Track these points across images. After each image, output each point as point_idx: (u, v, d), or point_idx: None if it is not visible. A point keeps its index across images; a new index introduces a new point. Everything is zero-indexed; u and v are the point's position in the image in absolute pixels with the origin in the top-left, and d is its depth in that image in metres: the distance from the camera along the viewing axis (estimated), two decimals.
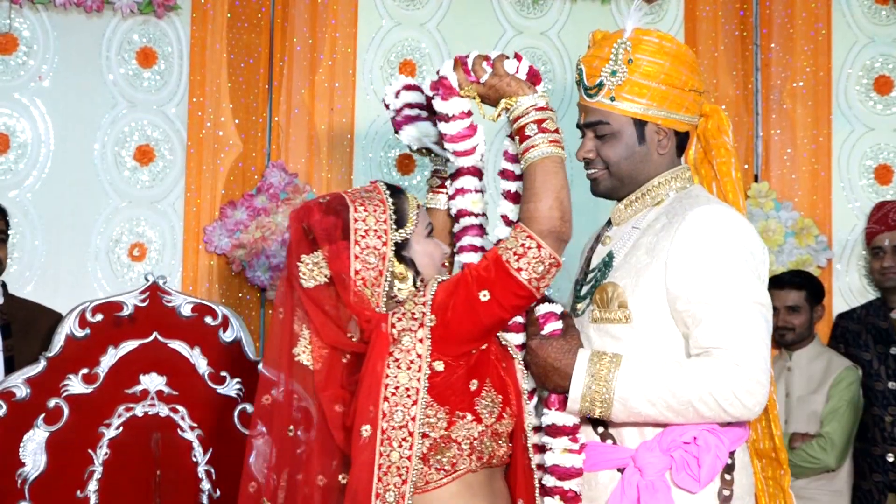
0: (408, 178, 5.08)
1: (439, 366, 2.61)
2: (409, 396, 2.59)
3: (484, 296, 2.60)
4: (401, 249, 2.70)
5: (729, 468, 2.72)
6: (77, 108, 4.92)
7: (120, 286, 4.76)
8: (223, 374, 4.02)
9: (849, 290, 5.24)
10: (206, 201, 4.91)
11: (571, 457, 2.73)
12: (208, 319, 4.06)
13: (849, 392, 4.73)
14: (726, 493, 2.71)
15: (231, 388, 4.02)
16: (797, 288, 4.83)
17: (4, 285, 4.48)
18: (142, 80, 4.98)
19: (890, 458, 4.75)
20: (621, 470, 2.74)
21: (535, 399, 2.83)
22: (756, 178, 5.22)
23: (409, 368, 2.60)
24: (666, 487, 2.69)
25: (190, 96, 4.98)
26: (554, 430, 2.73)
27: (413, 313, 2.63)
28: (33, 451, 3.89)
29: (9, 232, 4.51)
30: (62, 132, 4.91)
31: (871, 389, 4.82)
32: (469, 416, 2.62)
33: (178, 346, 4.02)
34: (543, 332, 2.73)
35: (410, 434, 2.58)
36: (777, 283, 4.81)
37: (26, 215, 4.82)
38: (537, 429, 2.80)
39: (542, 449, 2.78)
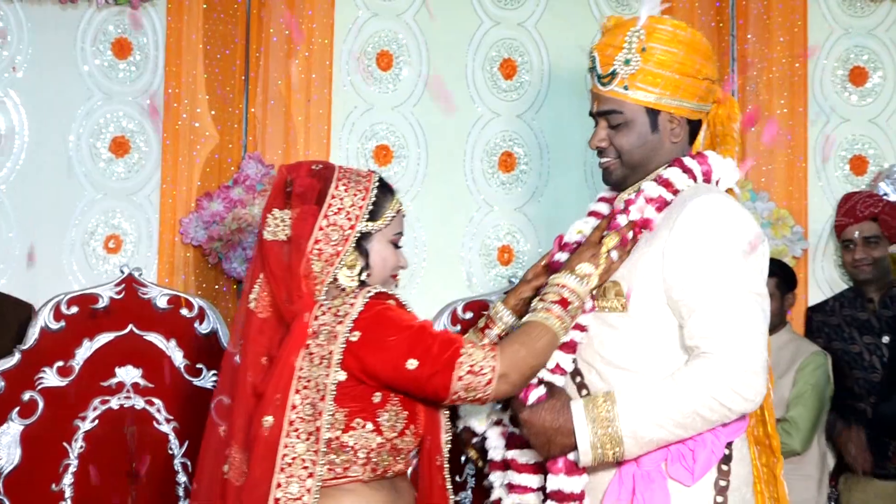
0: (385, 169, 5.06)
1: (341, 375, 2.60)
2: (318, 391, 2.59)
3: (412, 364, 2.59)
4: (362, 240, 2.70)
5: (726, 459, 2.73)
6: (52, 100, 4.90)
7: (95, 278, 4.72)
8: (199, 366, 4.04)
9: (825, 280, 5.24)
10: (182, 193, 4.89)
11: None
12: (184, 311, 4.08)
13: (814, 376, 4.73)
14: (723, 483, 2.72)
15: (207, 380, 4.04)
16: (769, 275, 4.83)
17: None
18: (117, 72, 4.95)
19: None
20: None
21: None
22: None
23: (320, 364, 2.59)
24: (662, 478, 2.70)
25: (165, 88, 4.95)
26: (560, 497, 2.72)
27: (338, 311, 2.62)
28: (7, 445, 3.93)
29: None
30: (37, 124, 4.89)
31: (868, 381, 4.82)
32: (370, 426, 2.62)
33: (154, 338, 4.04)
34: (530, 403, 2.71)
35: (318, 429, 2.57)
36: None
37: (0, 207, 4.80)
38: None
39: None
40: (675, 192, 2.78)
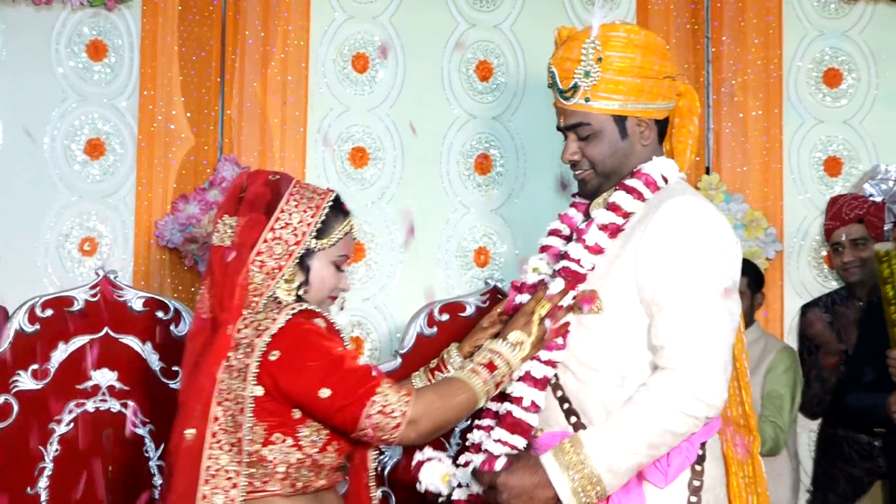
0: (361, 171, 5.09)
1: (259, 390, 2.59)
2: (237, 404, 2.58)
3: (324, 392, 2.58)
4: (305, 256, 2.69)
5: (700, 459, 2.75)
6: (26, 102, 4.91)
7: (71, 281, 4.74)
8: (175, 368, 4.02)
9: (800, 282, 5.26)
10: (157, 195, 4.91)
11: None
12: (160, 314, 4.07)
13: (787, 376, 4.79)
14: (696, 483, 2.74)
15: None
16: (741, 274, 4.88)
17: None
18: (92, 74, 4.97)
19: (878, 444, 4.71)
20: None
21: None
22: (707, 171, 5.25)
23: (238, 377, 2.59)
24: (637, 479, 2.71)
25: (141, 89, 4.97)
26: None
27: (259, 325, 2.61)
28: None
29: None
30: (11, 126, 4.90)
31: None
32: (289, 441, 2.61)
33: (130, 340, 4.03)
34: (497, 468, 2.71)
35: (239, 441, 2.57)
36: None
37: None
38: None
39: None
40: (626, 216, 2.80)
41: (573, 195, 3.09)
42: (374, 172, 5.08)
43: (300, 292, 2.71)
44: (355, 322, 4.96)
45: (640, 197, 2.81)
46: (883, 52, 5.37)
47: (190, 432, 2.58)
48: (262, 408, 2.58)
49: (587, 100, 2.81)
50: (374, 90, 5.15)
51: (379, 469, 3.63)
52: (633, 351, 2.75)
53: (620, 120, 2.83)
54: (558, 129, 2.92)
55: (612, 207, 2.81)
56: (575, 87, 2.81)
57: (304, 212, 2.69)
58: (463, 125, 5.20)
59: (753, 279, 4.89)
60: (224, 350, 2.59)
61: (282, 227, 2.66)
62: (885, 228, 4.94)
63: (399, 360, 4.19)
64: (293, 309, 2.63)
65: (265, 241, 2.65)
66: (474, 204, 5.16)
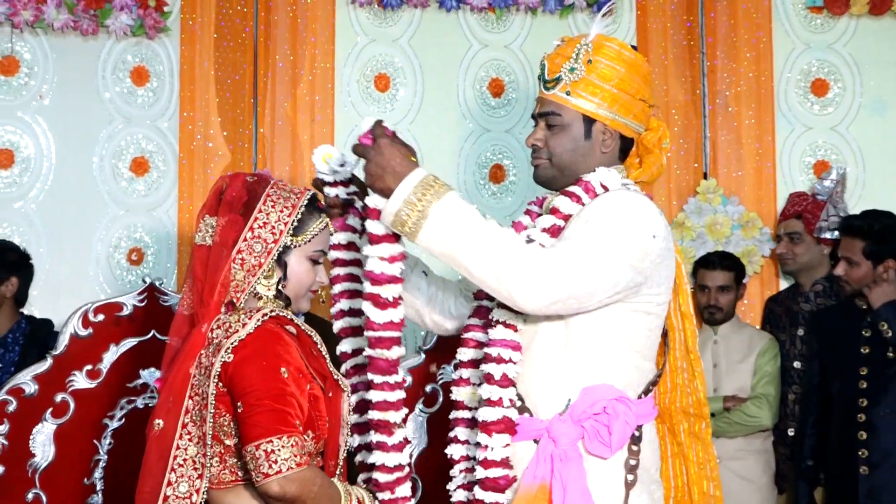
0: None
1: (222, 387, 2.60)
2: (203, 399, 2.59)
3: (240, 407, 2.59)
4: (283, 253, 2.72)
5: (636, 440, 2.82)
6: (76, 125, 5.04)
7: (120, 288, 4.87)
8: None
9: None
10: (198, 208, 4.81)
11: (382, 264, 2.74)
12: None
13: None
14: (633, 462, 2.81)
15: None
16: (728, 270, 5.01)
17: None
18: (136, 98, 5.11)
19: (791, 433, 4.87)
20: (537, 441, 2.81)
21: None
22: (705, 176, 5.31)
23: (204, 373, 2.60)
24: (578, 456, 2.77)
25: (181, 111, 5.10)
26: (371, 238, 2.77)
27: (230, 327, 2.62)
28: (42, 443, 3.97)
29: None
30: (63, 147, 5.02)
31: (784, 368, 4.94)
32: None
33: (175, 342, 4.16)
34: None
35: (205, 434, 2.57)
36: (708, 264, 5.00)
37: (31, 225, 4.95)
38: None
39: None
40: (566, 218, 2.85)
41: (529, 203, 3.15)
42: None
43: (279, 287, 2.73)
44: None
45: (578, 201, 2.86)
46: (865, 63, 5.43)
47: (158, 423, 2.61)
48: (226, 403, 2.61)
49: (567, 93, 2.88)
50: (396, 107, 5.25)
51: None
52: (576, 337, 2.81)
53: (589, 121, 2.90)
54: (532, 116, 3.00)
55: (553, 211, 2.88)
56: (558, 79, 2.89)
57: (281, 211, 2.70)
58: (478, 138, 5.29)
59: (739, 273, 5.01)
60: (198, 347, 2.62)
61: (260, 227, 2.67)
62: (817, 226, 5.00)
63: (423, 356, 4.21)
64: (265, 315, 2.63)
65: (245, 239, 2.65)
66: (489, 211, 5.11)
